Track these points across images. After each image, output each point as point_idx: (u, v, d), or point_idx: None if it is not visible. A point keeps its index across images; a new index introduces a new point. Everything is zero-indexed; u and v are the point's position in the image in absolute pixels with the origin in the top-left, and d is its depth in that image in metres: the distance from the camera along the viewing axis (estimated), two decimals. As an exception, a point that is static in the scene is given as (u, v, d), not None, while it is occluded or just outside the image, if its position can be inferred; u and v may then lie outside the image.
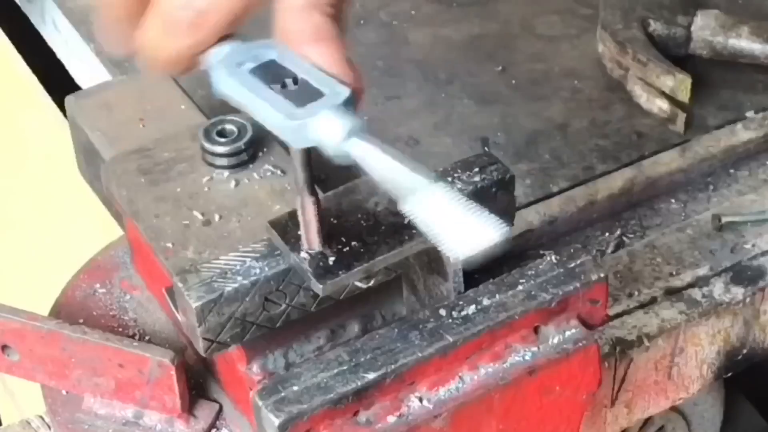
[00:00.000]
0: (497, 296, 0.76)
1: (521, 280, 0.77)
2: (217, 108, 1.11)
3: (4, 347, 0.80)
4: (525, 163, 1.03)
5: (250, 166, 0.80)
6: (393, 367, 0.72)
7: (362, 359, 0.73)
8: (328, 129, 0.64)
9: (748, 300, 0.94)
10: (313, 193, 0.69)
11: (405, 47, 1.15)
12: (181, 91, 0.92)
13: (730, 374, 0.99)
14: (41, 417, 0.90)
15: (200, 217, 0.77)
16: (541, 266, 0.77)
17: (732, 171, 1.05)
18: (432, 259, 0.75)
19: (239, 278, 0.71)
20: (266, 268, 0.72)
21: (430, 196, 0.64)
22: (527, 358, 0.76)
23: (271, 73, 0.67)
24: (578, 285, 0.77)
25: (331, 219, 0.72)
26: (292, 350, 0.76)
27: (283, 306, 0.73)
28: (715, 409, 1.13)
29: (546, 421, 0.79)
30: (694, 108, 1.07)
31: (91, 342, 0.78)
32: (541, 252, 0.81)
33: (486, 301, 0.76)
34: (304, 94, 0.65)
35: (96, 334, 0.78)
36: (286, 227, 0.71)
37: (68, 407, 0.81)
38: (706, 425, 1.12)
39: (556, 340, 0.77)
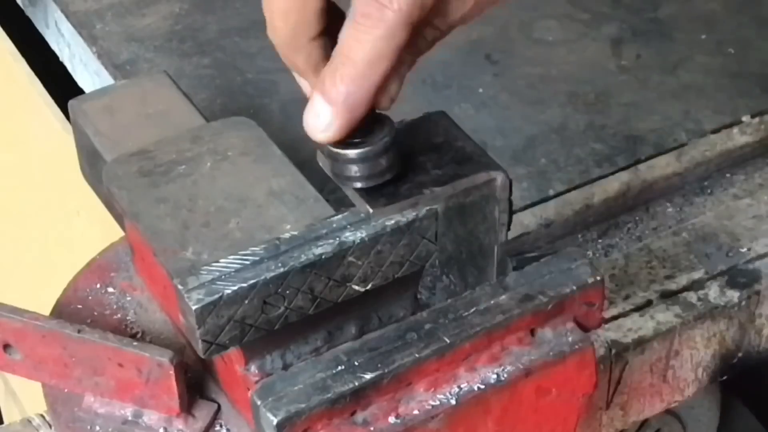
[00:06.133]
0: (494, 298, 0.76)
1: (517, 283, 0.77)
2: (217, 112, 1.13)
3: (6, 346, 0.80)
4: (522, 166, 1.03)
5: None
6: (390, 368, 0.73)
7: (360, 360, 0.73)
8: None
9: (743, 303, 0.95)
10: None
11: (404, 51, 1.16)
12: (182, 95, 0.93)
13: (725, 377, 0.99)
14: (42, 416, 0.91)
15: (200, 218, 0.78)
16: (537, 269, 0.78)
17: (728, 175, 1.05)
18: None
19: (238, 281, 0.72)
20: (265, 271, 0.72)
21: None
22: (524, 360, 0.77)
23: None
24: (574, 288, 0.77)
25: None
26: (290, 351, 0.77)
27: (282, 309, 0.73)
28: (711, 412, 1.13)
29: (542, 423, 0.80)
30: (691, 112, 1.07)
31: (91, 342, 0.78)
32: (538, 255, 0.81)
33: (483, 303, 0.76)
34: None
35: (96, 333, 0.79)
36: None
37: (68, 406, 0.82)
38: (702, 428, 1.13)
39: (552, 343, 0.78)
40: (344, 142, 0.72)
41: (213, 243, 0.75)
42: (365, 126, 0.73)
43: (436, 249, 0.76)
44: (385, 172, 0.73)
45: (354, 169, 0.73)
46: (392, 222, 0.73)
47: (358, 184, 0.73)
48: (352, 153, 0.72)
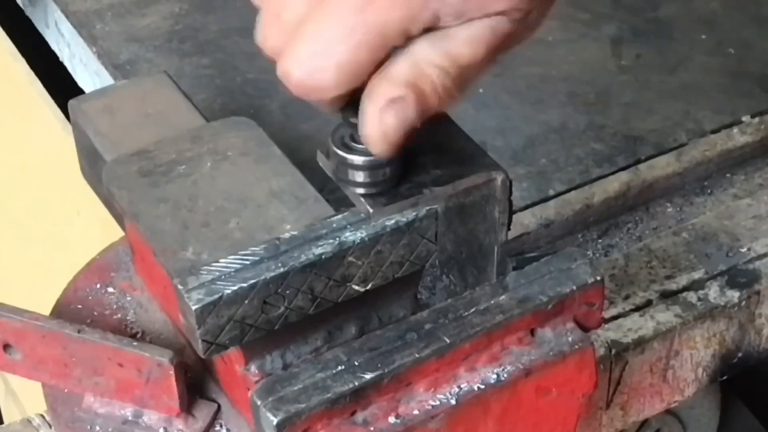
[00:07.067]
0: (494, 298, 0.76)
1: (517, 283, 0.77)
2: (217, 112, 1.13)
3: (6, 346, 0.80)
4: (522, 166, 1.04)
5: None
6: (390, 368, 0.73)
7: (360, 360, 0.73)
8: None
9: (743, 303, 0.95)
10: None
11: (404, 51, 1.16)
12: (182, 95, 0.93)
13: (725, 377, 0.99)
14: (42, 416, 0.91)
15: (200, 218, 0.78)
16: (537, 269, 0.78)
17: (728, 175, 1.06)
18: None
19: (238, 281, 0.72)
20: (265, 271, 0.73)
21: None
22: (524, 360, 0.77)
23: None
24: (574, 288, 0.77)
25: None
26: (290, 351, 0.77)
27: (282, 309, 0.73)
28: (711, 412, 1.13)
29: (542, 423, 0.80)
30: (691, 112, 1.07)
31: (91, 342, 0.78)
32: (538, 255, 0.81)
33: (483, 303, 0.76)
34: None
35: (96, 333, 0.79)
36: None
37: (68, 406, 0.82)
38: (702, 429, 1.13)
39: (552, 343, 0.78)
40: (353, 147, 0.72)
41: (213, 243, 0.76)
42: None
43: (436, 249, 0.76)
44: (390, 180, 0.73)
45: (359, 175, 0.73)
46: (392, 222, 0.74)
47: (361, 190, 0.73)
48: (359, 160, 0.72)
